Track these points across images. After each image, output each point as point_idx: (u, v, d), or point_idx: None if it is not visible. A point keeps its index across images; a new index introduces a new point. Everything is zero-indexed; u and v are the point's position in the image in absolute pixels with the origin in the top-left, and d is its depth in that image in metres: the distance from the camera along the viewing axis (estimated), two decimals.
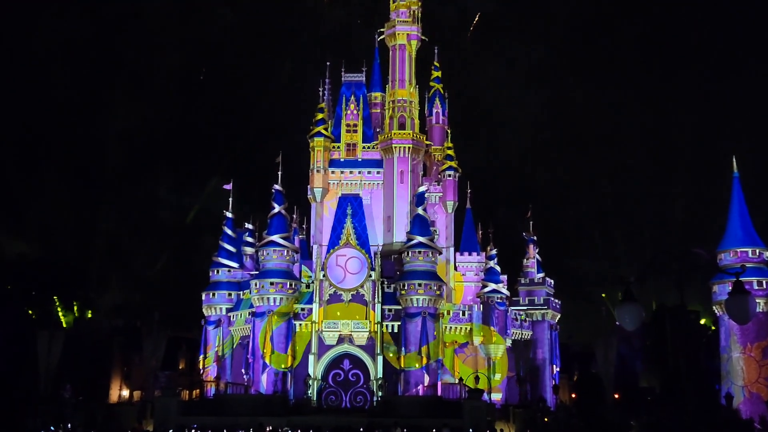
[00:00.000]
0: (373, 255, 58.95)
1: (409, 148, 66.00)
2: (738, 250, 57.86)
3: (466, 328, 60.61)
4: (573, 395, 77.96)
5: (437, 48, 72.02)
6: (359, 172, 66.83)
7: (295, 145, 70.01)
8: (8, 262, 77.66)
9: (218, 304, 63.28)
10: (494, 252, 63.99)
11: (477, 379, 55.01)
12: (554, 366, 66.58)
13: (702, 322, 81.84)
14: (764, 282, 56.41)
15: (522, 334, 64.84)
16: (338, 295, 57.65)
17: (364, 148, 67.32)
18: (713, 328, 64.27)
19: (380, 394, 54.41)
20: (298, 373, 56.51)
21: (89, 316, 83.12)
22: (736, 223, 59.04)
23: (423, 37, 70.04)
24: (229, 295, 63.18)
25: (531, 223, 69.60)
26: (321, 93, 69.43)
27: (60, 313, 76.52)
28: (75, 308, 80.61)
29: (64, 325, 75.72)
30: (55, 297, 76.69)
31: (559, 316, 68.61)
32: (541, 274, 68.47)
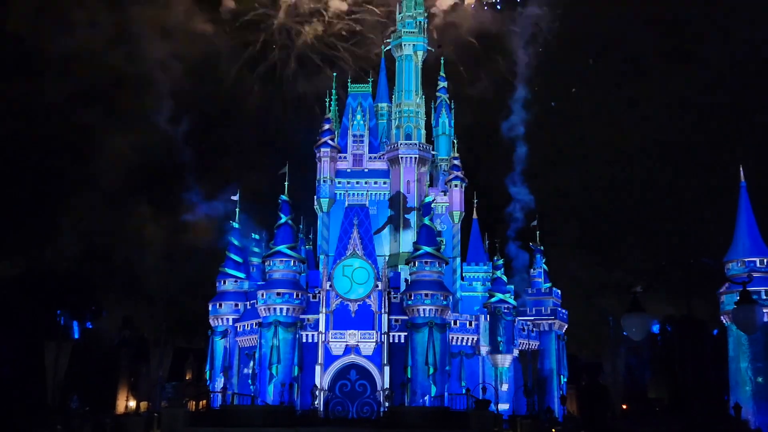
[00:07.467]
0: (379, 265, 58.94)
1: (415, 158, 66.14)
2: (745, 259, 57.74)
3: (473, 339, 60.50)
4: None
5: (443, 58, 72.33)
6: (366, 183, 66.96)
7: (302, 155, 70.18)
8: (16, 275, 77.95)
9: (225, 314, 63.27)
10: (501, 262, 63.87)
11: (484, 389, 54.86)
12: (561, 376, 66.31)
13: (710, 332, 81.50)
14: None
15: (529, 344, 64.68)
16: (345, 306, 57.63)
17: (370, 158, 67.48)
18: (721, 338, 64.00)
19: (387, 404, 54.30)
20: (304, 384, 56.46)
21: (96, 327, 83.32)
22: (744, 233, 58.97)
23: (429, 48, 70.33)
24: (236, 305, 63.19)
25: (538, 233, 69.50)
26: (327, 103, 69.73)
27: (67, 325, 76.74)
28: (82, 320, 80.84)
29: (72, 336, 75.92)
30: (62, 309, 76.93)
31: (566, 327, 68.40)
32: (548, 284, 68.33)
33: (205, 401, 55.98)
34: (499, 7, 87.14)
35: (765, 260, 57.55)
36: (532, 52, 77.87)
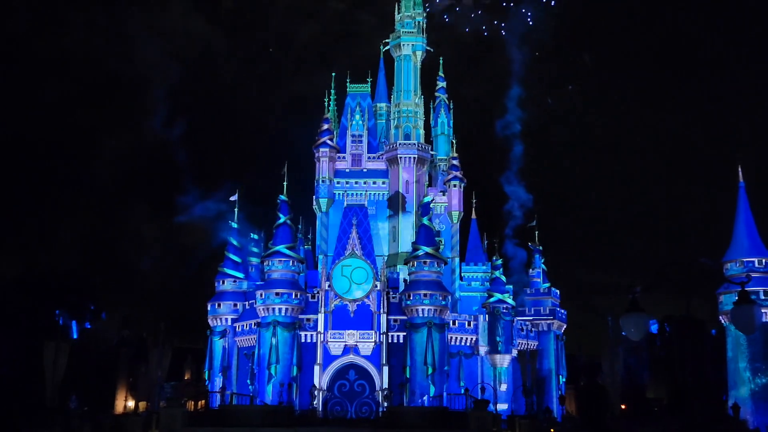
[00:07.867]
0: (378, 265, 58.94)
1: (414, 158, 66.14)
2: (744, 259, 57.79)
3: (471, 339, 60.50)
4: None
5: (442, 58, 72.39)
6: (364, 183, 66.96)
7: (301, 155, 70.21)
8: (16, 275, 77.92)
9: (224, 314, 63.24)
10: (499, 262, 63.87)
11: (483, 389, 54.85)
12: (560, 376, 66.33)
13: (709, 332, 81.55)
14: None
15: (528, 344, 64.67)
16: (343, 306, 57.62)
17: (369, 158, 67.50)
18: (720, 338, 64.06)
19: (386, 404, 54.31)
20: (303, 384, 56.45)
21: (95, 327, 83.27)
22: (742, 233, 59.04)
23: (428, 48, 70.33)
24: (235, 305, 63.18)
25: (536, 233, 69.51)
26: (326, 104, 69.75)
27: (66, 325, 76.70)
28: (81, 320, 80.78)
29: (71, 336, 75.87)
30: (61, 309, 76.88)
31: (565, 327, 68.40)
32: (547, 285, 68.32)
33: (203, 401, 56.01)
34: (504, 33, 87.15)
35: (763, 260, 57.63)
36: (528, 49, 77.82)
